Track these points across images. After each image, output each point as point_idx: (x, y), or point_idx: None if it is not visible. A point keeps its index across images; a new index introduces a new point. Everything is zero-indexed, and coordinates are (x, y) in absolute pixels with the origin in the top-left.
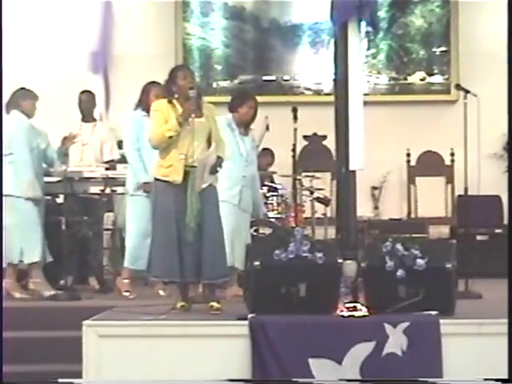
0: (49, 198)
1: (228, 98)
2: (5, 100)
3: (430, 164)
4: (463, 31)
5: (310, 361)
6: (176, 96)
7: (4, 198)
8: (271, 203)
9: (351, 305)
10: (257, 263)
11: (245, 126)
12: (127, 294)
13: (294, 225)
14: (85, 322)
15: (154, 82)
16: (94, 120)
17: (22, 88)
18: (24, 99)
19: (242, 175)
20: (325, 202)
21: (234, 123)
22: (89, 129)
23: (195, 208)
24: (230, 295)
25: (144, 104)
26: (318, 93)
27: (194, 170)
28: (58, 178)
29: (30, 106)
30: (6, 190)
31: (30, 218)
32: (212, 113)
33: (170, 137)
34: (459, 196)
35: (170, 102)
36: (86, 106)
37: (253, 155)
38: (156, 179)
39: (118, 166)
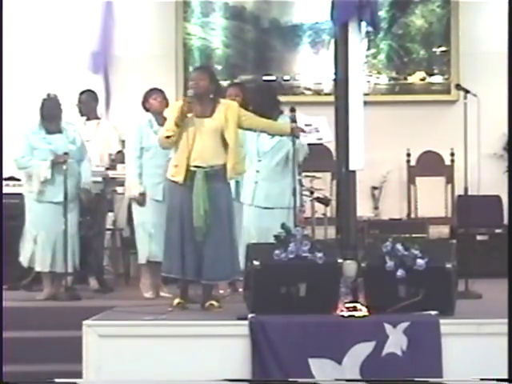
0: None
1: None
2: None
3: (430, 164)
4: (463, 31)
5: (310, 361)
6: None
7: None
8: None
9: (351, 305)
10: (257, 263)
11: None
12: None
13: None
14: (85, 322)
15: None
16: (98, 118)
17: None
18: (146, 98)
19: (255, 170)
20: (325, 201)
21: None
22: (93, 126)
23: (202, 208)
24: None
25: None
26: (318, 93)
27: (200, 170)
28: None
29: (155, 104)
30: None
31: (143, 218)
32: (230, 113)
33: (168, 137)
34: (459, 196)
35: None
36: (89, 105)
37: (267, 144)
38: (167, 179)
39: (119, 166)
